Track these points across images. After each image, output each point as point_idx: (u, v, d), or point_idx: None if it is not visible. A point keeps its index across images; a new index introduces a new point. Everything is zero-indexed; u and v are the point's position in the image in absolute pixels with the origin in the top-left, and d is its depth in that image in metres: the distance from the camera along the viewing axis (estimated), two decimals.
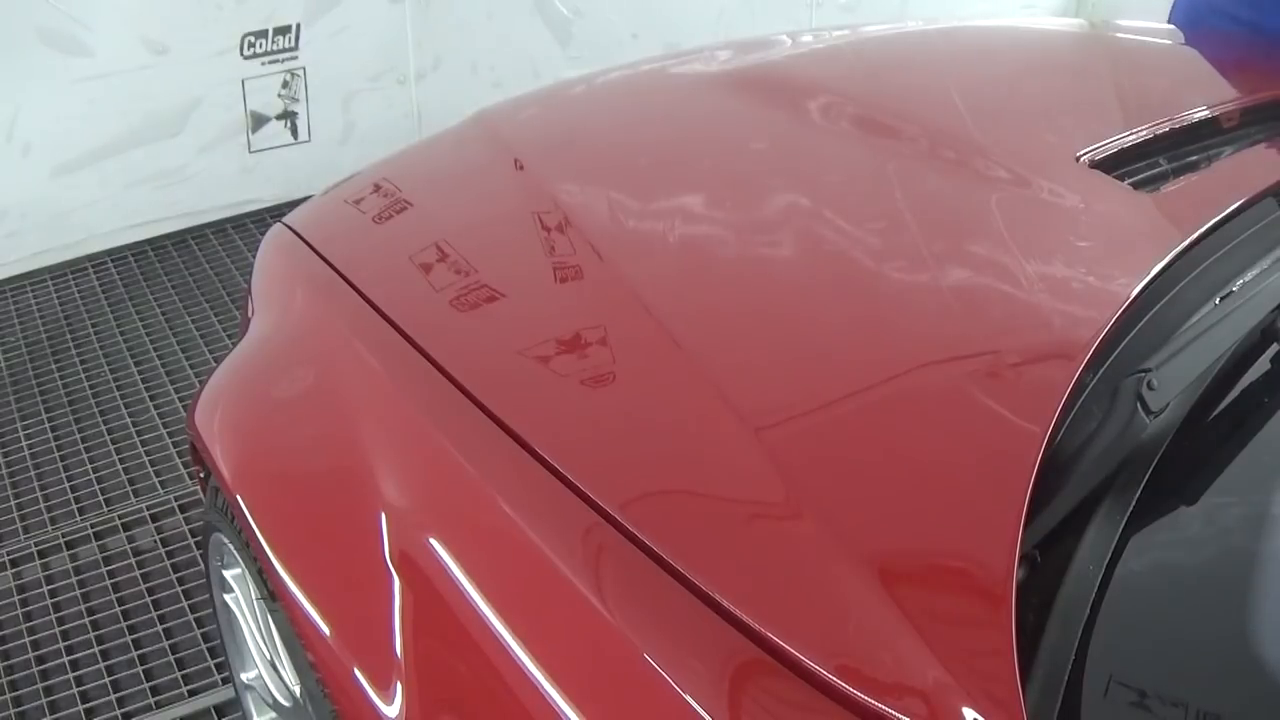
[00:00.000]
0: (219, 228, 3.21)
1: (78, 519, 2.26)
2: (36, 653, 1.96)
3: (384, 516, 1.02)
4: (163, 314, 2.88)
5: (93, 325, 2.85)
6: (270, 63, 3.10)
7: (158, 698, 1.88)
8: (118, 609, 2.05)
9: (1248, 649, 0.82)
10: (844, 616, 0.83)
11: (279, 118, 3.18)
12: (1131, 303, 1.08)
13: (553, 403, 1.07)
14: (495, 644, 0.88)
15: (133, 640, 1.99)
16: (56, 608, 2.05)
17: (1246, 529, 0.93)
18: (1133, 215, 1.29)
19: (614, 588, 0.88)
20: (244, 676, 1.48)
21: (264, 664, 1.33)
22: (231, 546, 1.30)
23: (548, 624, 0.89)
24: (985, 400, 1.02)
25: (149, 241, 3.15)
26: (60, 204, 2.99)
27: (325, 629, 1.00)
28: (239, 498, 1.14)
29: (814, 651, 0.80)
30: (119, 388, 2.62)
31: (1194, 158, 1.42)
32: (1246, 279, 1.17)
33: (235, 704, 1.74)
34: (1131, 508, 0.91)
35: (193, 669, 1.93)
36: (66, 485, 2.35)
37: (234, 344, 1.42)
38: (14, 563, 2.15)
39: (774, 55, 1.90)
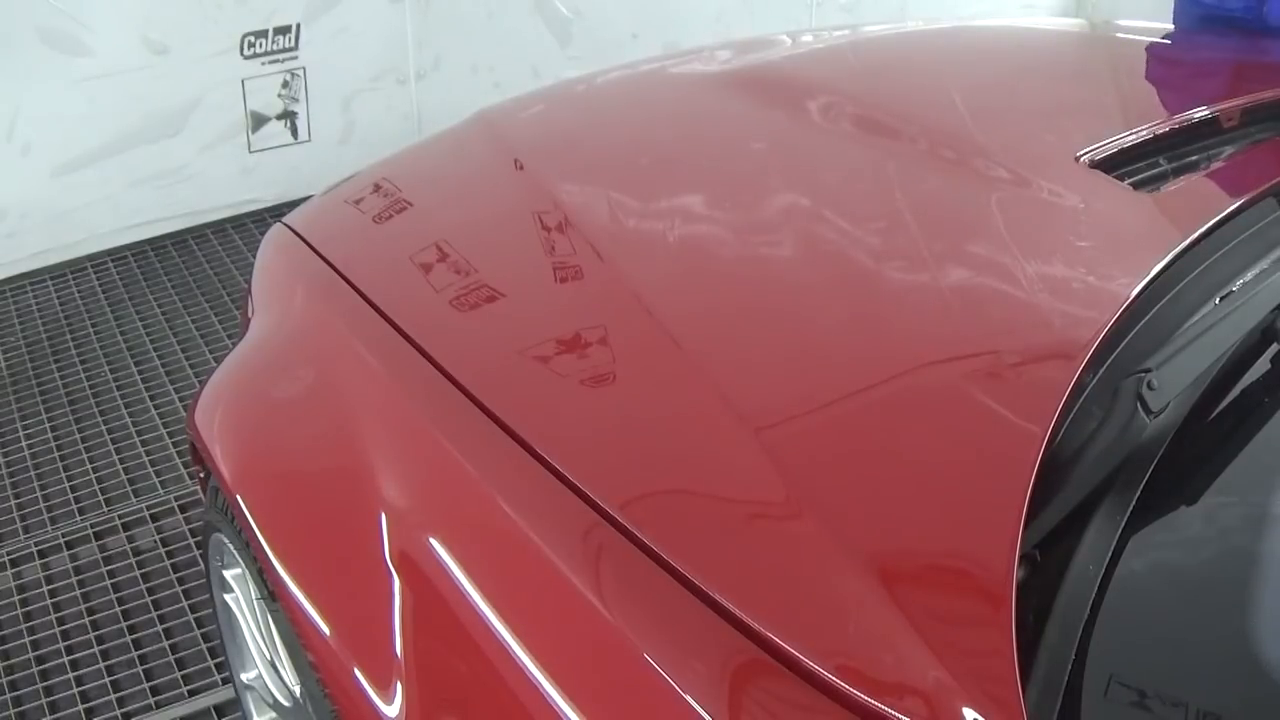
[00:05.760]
0: (219, 228, 3.21)
1: (78, 519, 2.26)
2: (36, 653, 1.96)
3: (384, 516, 1.02)
4: (163, 314, 2.87)
5: (93, 325, 2.85)
6: (270, 63, 3.10)
7: (158, 698, 1.88)
8: (118, 609, 2.05)
9: (1248, 649, 0.82)
10: (844, 616, 0.83)
11: (279, 118, 3.18)
12: (1131, 303, 1.08)
13: (553, 403, 1.07)
14: (495, 644, 0.88)
15: (133, 640, 1.99)
16: (56, 608, 2.05)
17: (1246, 529, 0.93)
18: (1133, 215, 1.29)
19: (614, 588, 0.88)
20: (244, 676, 1.48)
21: (264, 664, 1.33)
22: (231, 546, 1.30)
23: (548, 624, 0.89)
24: (985, 400, 1.02)
25: (149, 241, 3.15)
26: (60, 204, 2.99)
27: (325, 629, 1.00)
28: (239, 498, 1.14)
29: (814, 651, 0.80)
30: (119, 388, 2.62)
31: (1194, 158, 1.42)
32: (1246, 279, 1.17)
33: (235, 704, 1.74)
34: (1131, 508, 0.91)
35: (193, 669, 1.93)
36: (66, 485, 2.35)
37: (234, 344, 1.42)
38: (14, 563, 2.15)
39: (774, 55, 1.90)
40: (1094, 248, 1.23)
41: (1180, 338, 1.05)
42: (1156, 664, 0.83)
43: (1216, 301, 1.14)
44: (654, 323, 1.11)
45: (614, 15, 3.47)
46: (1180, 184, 1.34)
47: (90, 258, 3.09)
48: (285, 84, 3.14)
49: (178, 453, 2.41)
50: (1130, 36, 1.93)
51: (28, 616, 2.04)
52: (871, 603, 0.82)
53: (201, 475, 1.42)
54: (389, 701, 0.93)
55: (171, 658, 1.95)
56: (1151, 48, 1.88)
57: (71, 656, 1.96)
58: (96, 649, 1.97)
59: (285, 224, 1.51)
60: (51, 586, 2.10)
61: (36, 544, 2.19)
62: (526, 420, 1.02)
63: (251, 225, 3.20)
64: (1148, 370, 0.97)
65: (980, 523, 0.89)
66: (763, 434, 0.98)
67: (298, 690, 1.22)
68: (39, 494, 2.33)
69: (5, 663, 1.94)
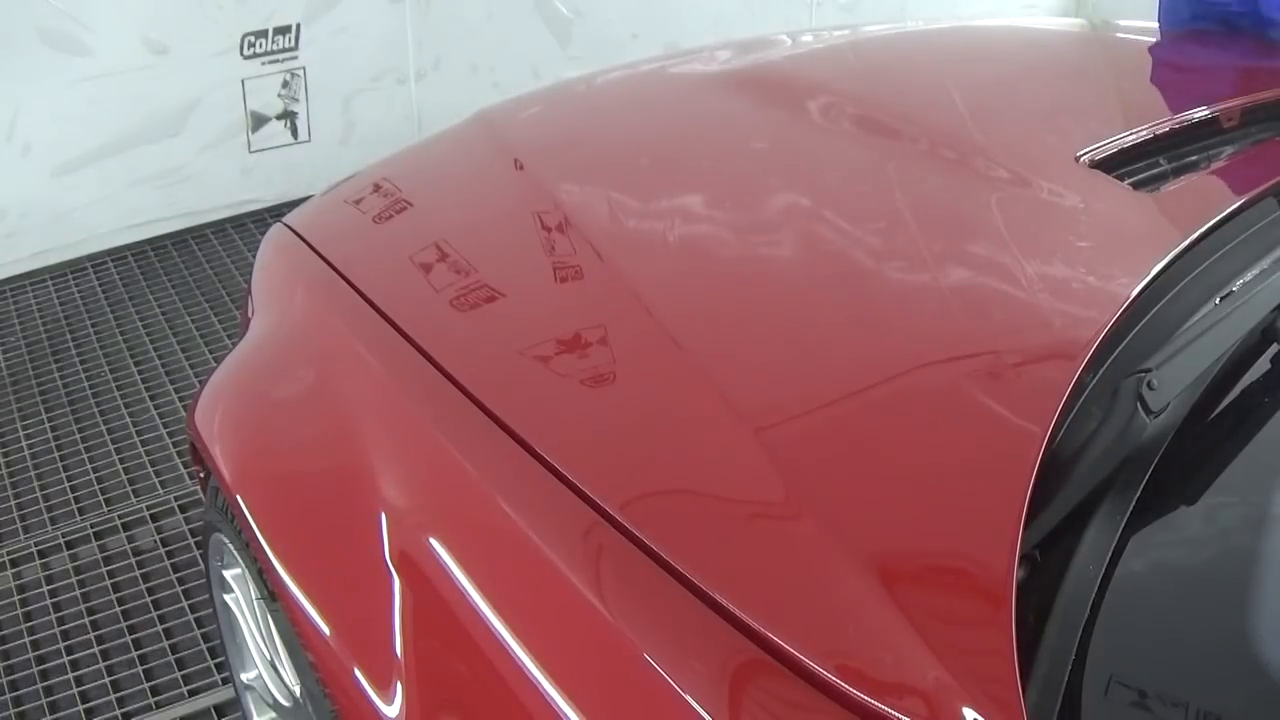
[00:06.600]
0: (219, 228, 3.21)
1: (78, 519, 2.26)
2: (36, 653, 1.96)
3: (384, 516, 1.02)
4: (163, 314, 2.88)
5: (93, 325, 2.85)
6: (270, 63, 3.10)
7: (158, 698, 1.88)
8: (118, 609, 2.05)
9: (1248, 649, 0.82)
10: (844, 616, 0.83)
11: (279, 118, 3.18)
12: (1131, 303, 1.08)
13: (553, 403, 1.07)
14: (495, 644, 0.88)
15: (133, 640, 1.99)
16: (56, 608, 2.05)
17: (1246, 529, 0.93)
18: (1133, 215, 1.29)
19: (614, 588, 0.88)
20: (244, 676, 1.48)
21: (264, 664, 1.33)
22: (231, 546, 1.30)
23: (548, 624, 0.89)
24: (985, 400, 1.02)
25: (149, 241, 3.15)
26: (60, 204, 2.99)
27: (325, 629, 1.00)
28: (239, 498, 1.14)
29: (814, 651, 0.80)
30: (119, 388, 2.62)
31: (1194, 158, 1.42)
32: (1246, 279, 1.17)
33: (235, 704, 1.74)
34: (1131, 508, 0.91)
35: (193, 669, 1.93)
36: (66, 485, 2.35)
37: (234, 344, 1.42)
38: (14, 563, 2.15)
39: (774, 55, 1.90)
40: (1094, 248, 1.23)
41: (1180, 338, 1.05)
42: (1156, 664, 0.83)
43: (1216, 301, 1.14)
44: (654, 323, 1.11)
45: (614, 15, 3.47)
46: (1180, 184, 1.34)
47: (90, 258, 3.09)
48: (285, 84, 3.14)
49: (178, 453, 2.41)
50: (1130, 36, 1.93)
51: (28, 616, 2.04)
52: (871, 603, 0.82)
53: (201, 475, 1.42)
54: (389, 701, 0.93)
55: (171, 658, 1.95)
56: (1151, 48, 1.88)
57: (71, 656, 1.96)
58: (96, 649, 1.97)
59: (285, 224, 1.51)
60: (51, 586, 2.10)
61: (36, 544, 2.19)
62: (526, 420, 1.02)
63: (251, 225, 3.20)
64: (1148, 370, 0.97)
65: (980, 523, 0.89)
66: (763, 434, 0.98)
67: (298, 690, 1.22)
68: (39, 494, 2.33)
69: (5, 663, 1.94)
